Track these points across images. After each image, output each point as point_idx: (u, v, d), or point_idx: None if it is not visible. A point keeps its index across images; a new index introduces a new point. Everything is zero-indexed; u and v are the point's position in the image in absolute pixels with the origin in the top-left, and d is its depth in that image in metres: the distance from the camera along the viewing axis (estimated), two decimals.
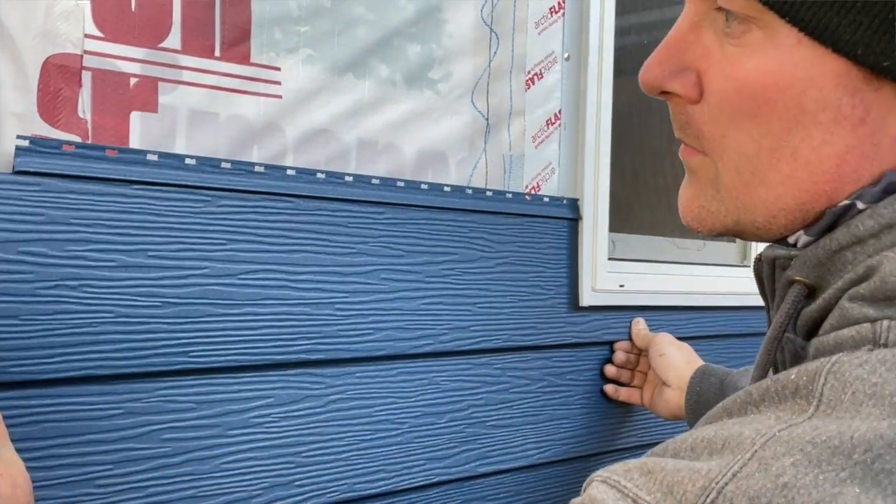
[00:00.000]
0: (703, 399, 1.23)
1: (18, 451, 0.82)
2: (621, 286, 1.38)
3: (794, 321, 0.65)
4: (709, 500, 0.50)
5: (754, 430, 0.53)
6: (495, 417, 1.21)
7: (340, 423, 1.08)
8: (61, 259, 0.87)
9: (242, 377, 1.00)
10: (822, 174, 0.60)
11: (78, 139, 0.89)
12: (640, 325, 1.41)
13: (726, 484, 0.50)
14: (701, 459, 0.54)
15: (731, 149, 0.63)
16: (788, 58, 0.59)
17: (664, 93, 0.67)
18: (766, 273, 0.69)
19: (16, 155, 0.85)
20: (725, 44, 0.62)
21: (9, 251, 0.84)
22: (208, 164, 0.97)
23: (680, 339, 1.37)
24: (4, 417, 0.82)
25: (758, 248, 1.71)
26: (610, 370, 1.39)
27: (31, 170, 0.85)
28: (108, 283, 0.90)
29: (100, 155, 0.90)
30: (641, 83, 0.67)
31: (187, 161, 0.96)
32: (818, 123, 0.59)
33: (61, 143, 0.87)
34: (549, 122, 1.33)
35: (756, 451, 0.51)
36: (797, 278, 0.63)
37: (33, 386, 0.85)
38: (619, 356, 1.39)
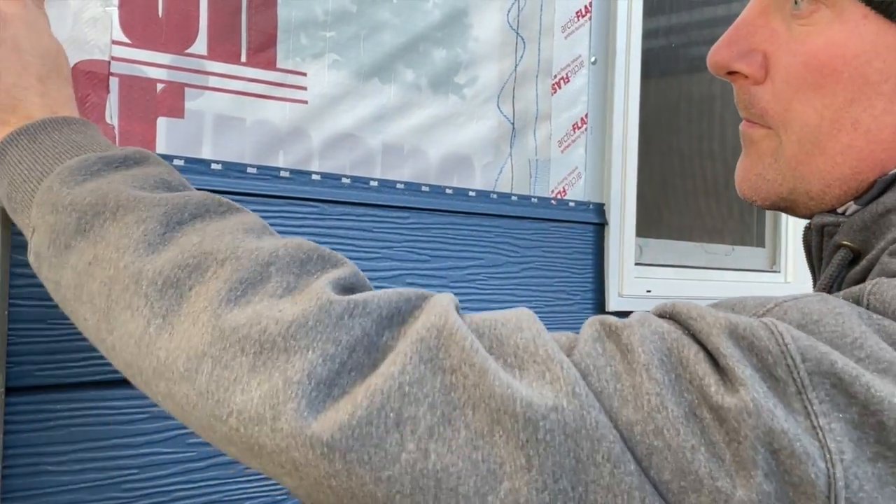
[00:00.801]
0: None
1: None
2: (648, 291, 1.37)
3: (840, 286, 0.66)
4: (765, 310, 0.54)
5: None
6: None
7: None
8: None
9: None
10: (880, 143, 0.64)
11: None
12: None
13: (785, 301, 0.54)
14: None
15: (794, 121, 0.67)
16: (855, 32, 0.63)
17: (730, 73, 0.71)
18: (815, 242, 0.71)
19: None
20: (793, 25, 0.66)
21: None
22: (234, 169, 0.98)
23: None
24: (30, 422, 0.83)
25: (789, 253, 1.69)
26: None
27: None
28: None
29: None
30: (710, 63, 0.71)
31: (213, 166, 0.96)
32: (880, 94, 0.63)
33: None
34: (575, 127, 1.33)
35: (816, 294, 0.56)
36: (843, 242, 0.66)
37: (60, 389, 0.85)
38: None
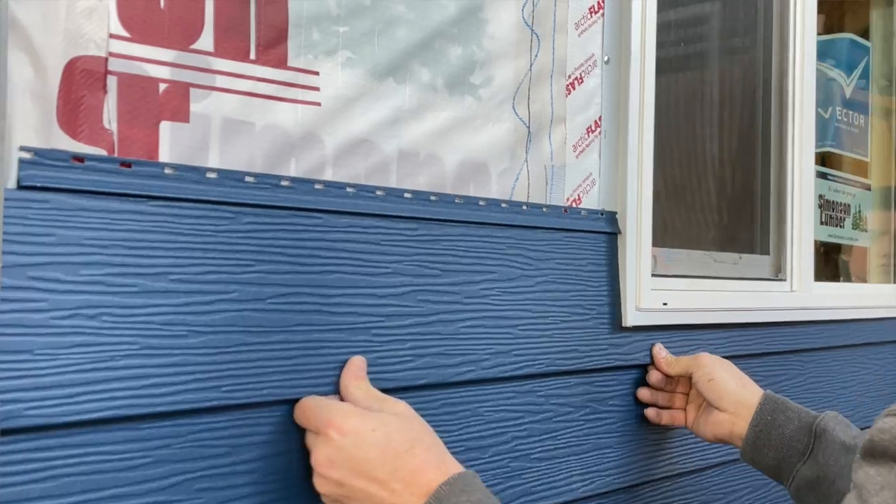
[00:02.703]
0: (774, 432, 1.17)
1: None
2: (665, 304, 1.29)
3: None
4: None
5: None
6: (539, 449, 1.13)
7: None
8: (76, 285, 0.77)
9: (281, 412, 0.91)
10: None
11: (103, 153, 0.79)
12: (663, 351, 1.31)
13: None
14: None
15: None
16: None
17: None
18: None
19: (20, 168, 0.75)
20: None
21: (18, 277, 0.74)
22: (231, 177, 0.88)
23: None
24: (14, 473, 0.73)
25: (794, 261, 1.63)
26: (644, 394, 1.30)
27: (38, 185, 0.75)
28: (129, 311, 0.80)
29: (112, 168, 0.80)
30: None
31: (208, 175, 0.86)
32: None
33: (69, 154, 0.78)
34: (589, 130, 1.25)
35: None
36: None
37: (52, 431, 0.75)
38: (655, 376, 1.30)
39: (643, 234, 1.26)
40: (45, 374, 0.75)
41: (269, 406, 0.90)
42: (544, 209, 1.18)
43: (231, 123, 0.87)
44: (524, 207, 1.15)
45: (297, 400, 0.91)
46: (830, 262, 2.18)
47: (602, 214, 1.25)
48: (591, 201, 1.25)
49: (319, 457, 0.85)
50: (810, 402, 1.58)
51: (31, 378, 0.74)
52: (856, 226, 2.11)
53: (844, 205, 2.07)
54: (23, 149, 0.75)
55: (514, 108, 1.14)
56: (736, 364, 1.29)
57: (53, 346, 0.76)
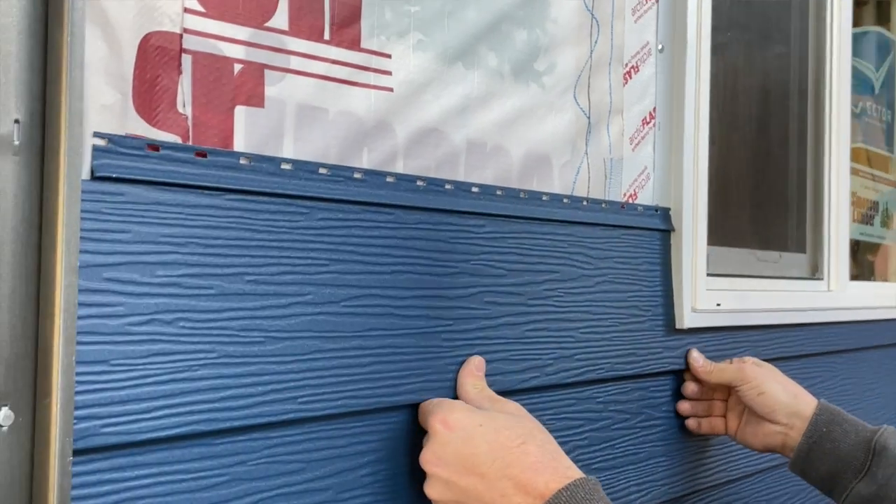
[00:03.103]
0: (829, 446, 1.12)
1: None
2: (718, 305, 1.24)
3: None
4: None
5: None
6: (599, 459, 1.07)
7: None
8: (152, 287, 0.70)
9: (354, 424, 0.84)
10: None
11: (178, 140, 0.72)
12: (700, 359, 1.24)
13: None
14: None
15: None
16: None
17: None
18: None
19: (94, 157, 0.67)
20: None
21: (92, 278, 0.66)
22: (304, 169, 0.81)
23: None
24: (88, 497, 0.66)
25: (831, 260, 1.59)
26: (684, 407, 1.24)
27: (113, 175, 0.68)
28: (206, 316, 0.73)
29: (188, 157, 0.73)
30: None
31: (283, 166, 0.79)
32: None
33: (144, 142, 0.70)
34: (644, 122, 1.19)
35: None
36: None
37: (127, 449, 0.68)
38: (691, 387, 1.23)
39: (699, 231, 1.20)
40: (122, 386, 0.67)
41: (344, 418, 0.83)
42: (603, 205, 1.12)
43: (306, 110, 0.80)
44: (584, 203, 1.09)
45: (370, 411, 0.85)
46: (856, 261, 2.15)
47: (657, 211, 1.20)
48: (645, 197, 1.19)
49: (426, 453, 0.82)
50: (839, 403, 1.54)
51: (107, 392, 0.67)
52: (884, 224, 2.08)
53: (873, 202, 2.04)
54: (97, 135, 0.67)
55: (575, 98, 1.08)
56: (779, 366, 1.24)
57: (130, 355, 0.68)
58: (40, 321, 0.62)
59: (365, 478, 0.84)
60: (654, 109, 1.20)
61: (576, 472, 0.79)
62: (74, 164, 0.63)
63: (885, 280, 2.14)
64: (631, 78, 1.16)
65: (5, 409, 0.60)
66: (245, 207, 0.76)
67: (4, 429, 0.60)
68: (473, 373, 0.92)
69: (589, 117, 1.10)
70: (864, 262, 2.11)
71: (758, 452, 1.24)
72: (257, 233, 0.77)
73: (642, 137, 1.18)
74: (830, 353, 1.56)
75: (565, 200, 1.07)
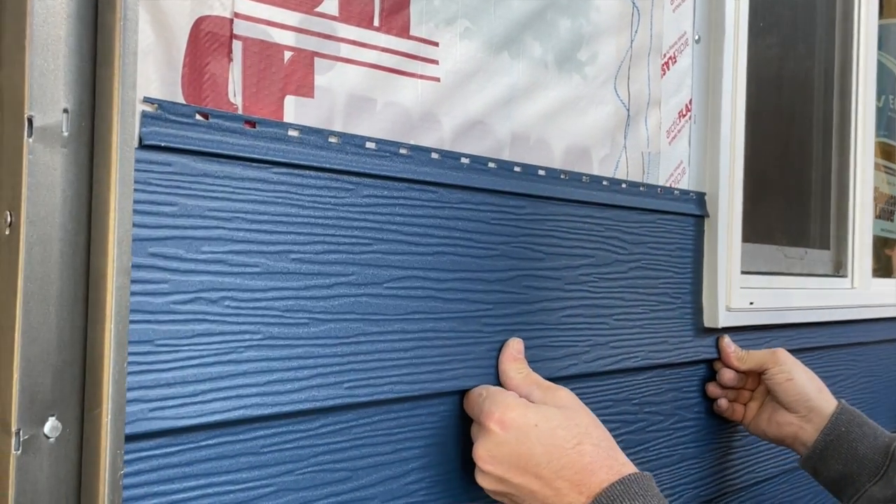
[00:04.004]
0: (846, 445, 1.11)
1: None
2: (751, 303, 1.21)
3: None
4: None
5: None
6: (634, 462, 1.04)
7: None
8: (197, 264, 0.66)
9: (400, 412, 0.80)
10: None
11: None
12: (732, 345, 1.23)
13: None
14: None
15: None
16: None
17: None
18: None
19: (142, 123, 0.63)
20: None
21: (139, 253, 0.62)
22: (352, 143, 0.77)
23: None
24: (136, 486, 0.62)
25: (855, 257, 1.56)
26: (715, 390, 1.22)
27: (162, 144, 0.64)
28: (252, 295, 0.69)
29: (237, 127, 0.69)
30: None
31: (330, 139, 0.75)
32: None
33: (194, 109, 0.66)
34: (680, 115, 1.15)
35: None
36: None
37: (174, 435, 0.64)
38: (728, 375, 1.21)
39: (734, 230, 1.17)
40: (168, 368, 0.64)
41: (388, 404, 0.80)
42: (641, 188, 1.09)
43: (355, 100, 0.77)
44: (623, 185, 1.06)
45: (412, 398, 0.82)
46: (875, 256, 2.12)
47: (691, 195, 1.17)
48: None
49: (479, 450, 0.80)
50: (849, 397, 1.53)
51: (153, 373, 0.63)
52: None
53: (893, 197, 2.01)
54: (146, 100, 0.63)
55: (615, 89, 1.04)
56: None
57: (174, 335, 0.65)
58: (89, 326, 0.58)
59: (413, 471, 0.81)
60: (690, 101, 1.17)
61: (630, 468, 0.79)
62: (127, 158, 0.59)
63: None
64: (669, 69, 1.13)
65: (52, 420, 0.56)
66: (292, 182, 0.72)
67: (52, 440, 0.56)
68: (515, 356, 0.89)
69: (628, 109, 1.06)
70: (882, 257, 2.09)
71: (768, 443, 1.23)
72: (303, 209, 0.73)
73: (678, 131, 1.15)
74: (847, 346, 1.54)
75: (605, 182, 1.03)
